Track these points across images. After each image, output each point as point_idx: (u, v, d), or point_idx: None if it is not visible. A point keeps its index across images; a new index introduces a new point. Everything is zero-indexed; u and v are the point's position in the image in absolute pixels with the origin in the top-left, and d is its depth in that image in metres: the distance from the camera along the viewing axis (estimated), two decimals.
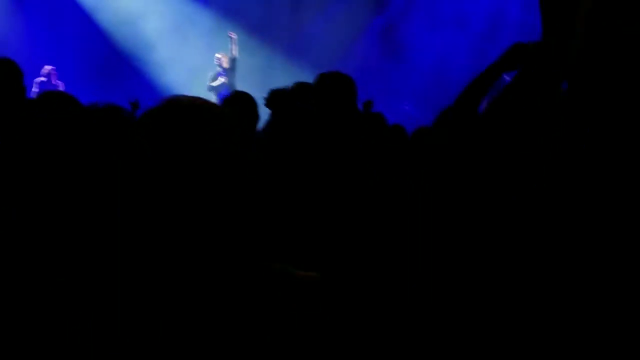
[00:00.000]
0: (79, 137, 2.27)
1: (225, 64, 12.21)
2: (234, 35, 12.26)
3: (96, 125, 2.16)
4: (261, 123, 4.10)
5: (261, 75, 12.93)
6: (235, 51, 12.22)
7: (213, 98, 11.87)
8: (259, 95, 4.22)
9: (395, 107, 12.26)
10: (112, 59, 13.83)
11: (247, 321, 1.34)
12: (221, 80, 12.11)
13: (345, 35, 14.00)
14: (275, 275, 1.41)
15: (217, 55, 12.33)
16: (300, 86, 3.80)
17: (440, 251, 2.08)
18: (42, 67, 11.63)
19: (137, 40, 13.82)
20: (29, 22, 13.55)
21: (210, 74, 12.30)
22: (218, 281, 1.34)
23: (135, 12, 13.63)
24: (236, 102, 4.14)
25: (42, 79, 11.46)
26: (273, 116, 3.44)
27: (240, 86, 11.59)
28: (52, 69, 11.60)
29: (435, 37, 13.59)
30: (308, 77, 11.68)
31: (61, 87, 11.44)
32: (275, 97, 3.74)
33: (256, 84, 10.94)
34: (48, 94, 3.22)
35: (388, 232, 2.55)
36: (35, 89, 11.06)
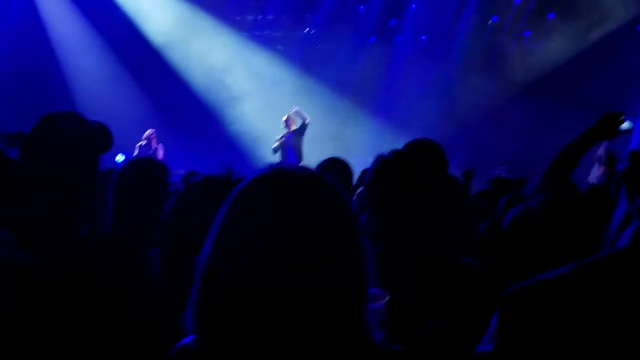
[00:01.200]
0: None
1: (293, 126, 12.06)
2: (296, 110, 12.12)
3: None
4: None
5: (335, 135, 13.21)
6: (306, 118, 12.04)
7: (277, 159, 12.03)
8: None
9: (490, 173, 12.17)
10: (201, 115, 14.55)
11: None
12: (279, 140, 12.02)
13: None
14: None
15: (284, 118, 12.16)
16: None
17: None
18: (144, 130, 12.10)
19: (224, 96, 14.47)
20: (133, 87, 14.32)
21: (278, 137, 12.19)
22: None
23: (221, 67, 14.31)
24: (332, 167, 4.24)
25: (143, 142, 11.91)
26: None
27: (310, 148, 11.81)
28: (152, 132, 12.04)
29: (526, 102, 13.60)
30: (389, 136, 11.76)
31: (161, 149, 11.88)
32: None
33: (329, 145, 11.17)
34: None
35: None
36: (136, 152, 11.55)
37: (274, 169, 1.47)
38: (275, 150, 12.08)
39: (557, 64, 13.70)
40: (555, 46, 13.66)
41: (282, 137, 12.07)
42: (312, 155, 11.46)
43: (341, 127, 13.85)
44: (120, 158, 10.23)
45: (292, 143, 11.97)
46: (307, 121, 12.04)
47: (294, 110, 12.11)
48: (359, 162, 5.41)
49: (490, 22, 14.38)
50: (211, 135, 14.51)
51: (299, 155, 11.86)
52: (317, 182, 1.47)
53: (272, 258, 1.36)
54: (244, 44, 14.85)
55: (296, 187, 1.44)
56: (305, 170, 1.51)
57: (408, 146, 3.52)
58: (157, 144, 11.99)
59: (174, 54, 14.40)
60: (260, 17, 15.07)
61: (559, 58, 13.64)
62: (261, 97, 14.24)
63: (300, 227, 1.39)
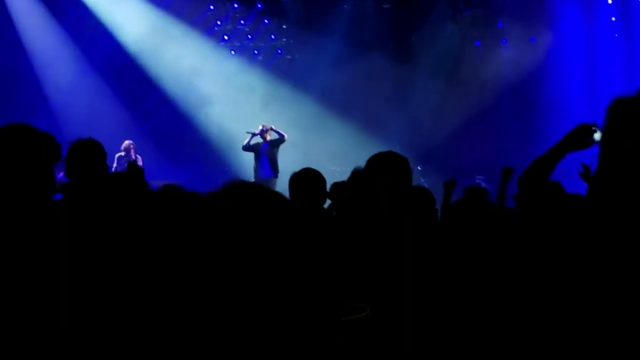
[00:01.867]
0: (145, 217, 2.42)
1: (269, 137, 12.05)
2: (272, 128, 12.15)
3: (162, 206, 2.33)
4: None
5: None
6: (284, 135, 12.08)
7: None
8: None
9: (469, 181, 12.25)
10: (177, 123, 14.71)
11: None
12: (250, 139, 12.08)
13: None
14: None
15: (260, 127, 12.18)
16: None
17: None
18: (121, 141, 12.00)
19: (198, 102, 14.58)
20: (110, 97, 14.32)
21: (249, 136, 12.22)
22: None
23: (196, 73, 14.44)
24: (305, 178, 4.24)
25: (122, 153, 11.82)
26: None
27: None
28: (131, 143, 11.95)
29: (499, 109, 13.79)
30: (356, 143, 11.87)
31: (140, 160, 11.79)
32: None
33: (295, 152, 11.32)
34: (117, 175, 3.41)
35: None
36: (114, 164, 11.46)
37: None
38: (245, 148, 12.10)
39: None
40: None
41: (251, 136, 12.06)
42: (281, 162, 11.55)
43: (309, 134, 13.86)
44: None
45: (267, 153, 11.93)
46: (285, 138, 12.05)
47: (270, 127, 12.12)
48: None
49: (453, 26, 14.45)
50: (188, 143, 14.56)
51: (274, 167, 11.80)
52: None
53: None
54: (218, 51, 14.93)
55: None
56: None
57: (372, 159, 3.54)
58: (136, 155, 11.90)
59: (149, 62, 14.40)
60: (237, 26, 15.16)
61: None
62: (236, 103, 14.30)
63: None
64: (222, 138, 14.48)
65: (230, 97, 14.44)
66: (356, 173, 4.14)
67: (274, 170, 11.72)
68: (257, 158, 12.02)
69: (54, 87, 13.93)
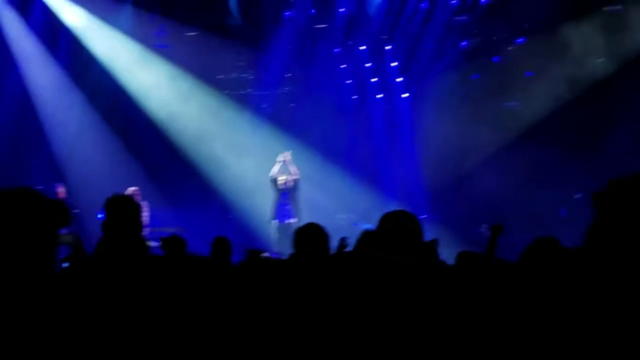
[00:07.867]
0: None
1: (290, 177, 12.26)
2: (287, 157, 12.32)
3: None
4: None
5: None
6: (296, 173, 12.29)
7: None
8: None
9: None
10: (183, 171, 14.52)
11: None
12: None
13: None
14: None
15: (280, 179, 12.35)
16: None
17: None
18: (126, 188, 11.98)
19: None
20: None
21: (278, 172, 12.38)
22: None
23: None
24: (308, 233, 4.24)
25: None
26: None
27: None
28: (136, 189, 11.87)
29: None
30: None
31: (146, 206, 11.74)
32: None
33: None
34: None
35: None
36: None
37: None
38: (273, 182, 12.21)
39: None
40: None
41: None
42: None
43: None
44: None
45: (289, 201, 12.02)
46: (297, 177, 12.23)
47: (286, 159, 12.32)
48: None
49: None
50: (195, 190, 14.42)
51: (296, 212, 11.84)
52: None
53: None
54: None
55: None
56: None
57: (385, 216, 3.53)
58: (141, 201, 11.86)
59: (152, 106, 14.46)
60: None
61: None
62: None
63: None
64: (226, 178, 14.36)
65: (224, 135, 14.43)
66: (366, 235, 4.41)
67: (296, 215, 11.75)
68: (277, 206, 12.15)
69: (57, 131, 13.94)
